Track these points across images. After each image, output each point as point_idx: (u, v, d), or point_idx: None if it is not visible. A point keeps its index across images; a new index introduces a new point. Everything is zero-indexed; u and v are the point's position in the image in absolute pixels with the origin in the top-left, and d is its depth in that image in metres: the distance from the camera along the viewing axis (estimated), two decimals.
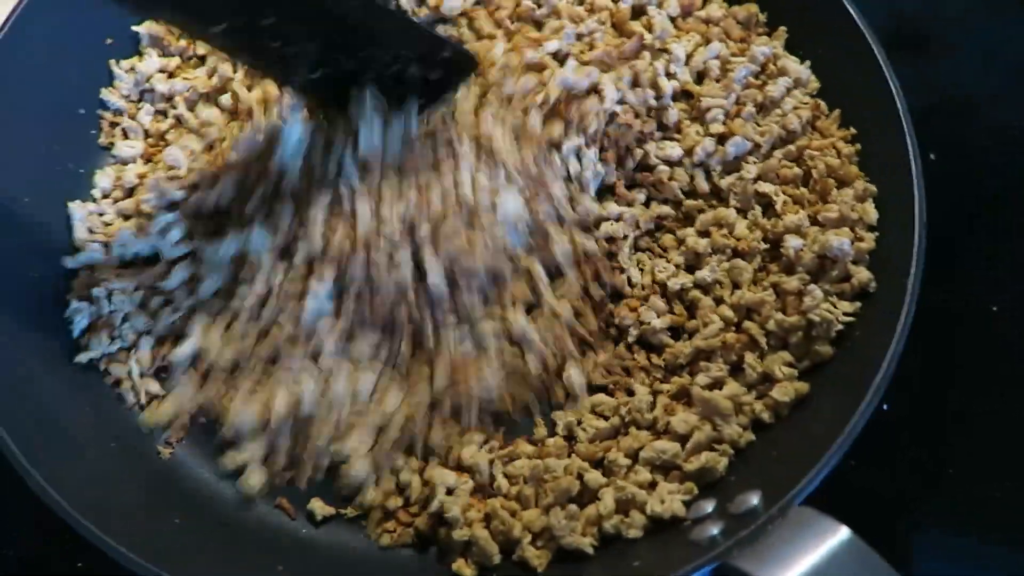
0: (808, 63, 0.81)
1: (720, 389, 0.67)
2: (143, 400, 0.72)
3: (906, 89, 0.95)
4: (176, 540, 0.64)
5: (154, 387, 0.72)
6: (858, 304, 0.67)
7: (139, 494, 0.67)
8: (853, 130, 0.77)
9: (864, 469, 0.73)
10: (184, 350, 0.71)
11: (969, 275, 0.86)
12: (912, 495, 0.76)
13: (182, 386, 0.71)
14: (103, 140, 0.82)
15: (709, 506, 0.61)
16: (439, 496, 0.64)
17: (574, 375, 0.70)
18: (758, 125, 0.77)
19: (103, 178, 0.80)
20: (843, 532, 0.52)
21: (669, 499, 0.62)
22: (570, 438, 0.69)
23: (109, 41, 0.84)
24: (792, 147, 0.76)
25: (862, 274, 0.67)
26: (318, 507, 0.67)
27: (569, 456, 0.67)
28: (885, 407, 0.77)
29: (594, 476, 0.65)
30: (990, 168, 0.92)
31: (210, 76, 0.83)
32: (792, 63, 0.80)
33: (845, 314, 0.66)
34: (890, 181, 0.71)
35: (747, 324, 0.69)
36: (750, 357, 0.68)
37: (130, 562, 0.56)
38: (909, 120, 0.72)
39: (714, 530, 0.58)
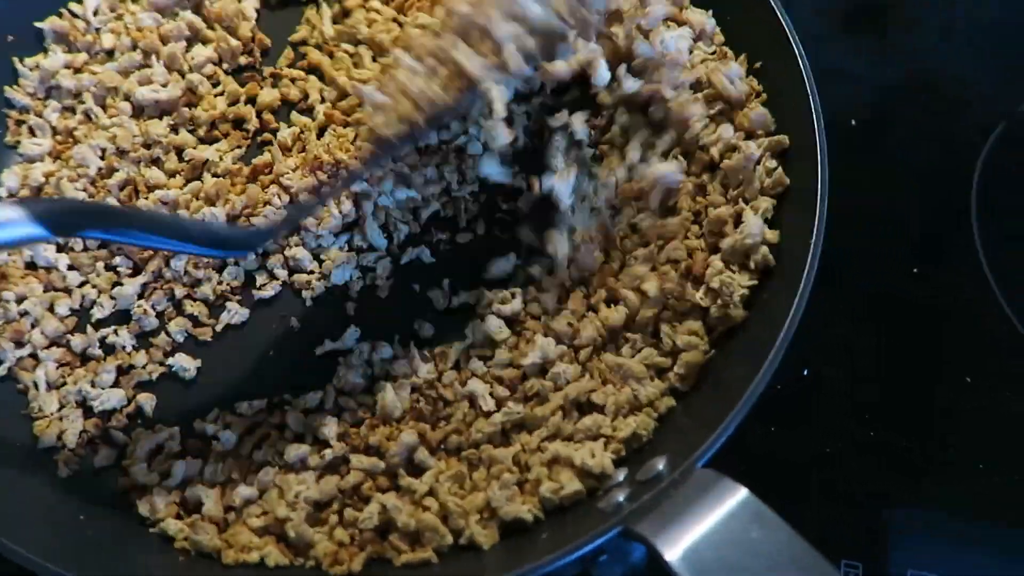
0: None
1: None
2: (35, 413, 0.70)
3: (867, 66, 0.98)
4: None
5: (53, 405, 0.70)
6: (755, 277, 0.68)
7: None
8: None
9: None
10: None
11: (932, 249, 0.88)
12: (900, 489, 0.77)
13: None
14: (9, 139, 0.81)
15: (620, 475, 0.62)
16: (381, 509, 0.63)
17: None
18: None
19: (10, 177, 0.78)
20: (741, 492, 0.52)
21: (600, 455, 0.62)
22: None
23: (11, 38, 0.83)
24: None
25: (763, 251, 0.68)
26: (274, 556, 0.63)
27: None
28: (805, 372, 0.79)
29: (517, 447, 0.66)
30: (959, 148, 0.93)
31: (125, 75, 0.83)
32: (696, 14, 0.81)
33: (742, 285, 0.67)
34: (796, 145, 0.72)
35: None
36: (666, 327, 0.69)
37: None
38: (814, 86, 0.72)
39: (620, 497, 0.58)
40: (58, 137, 0.81)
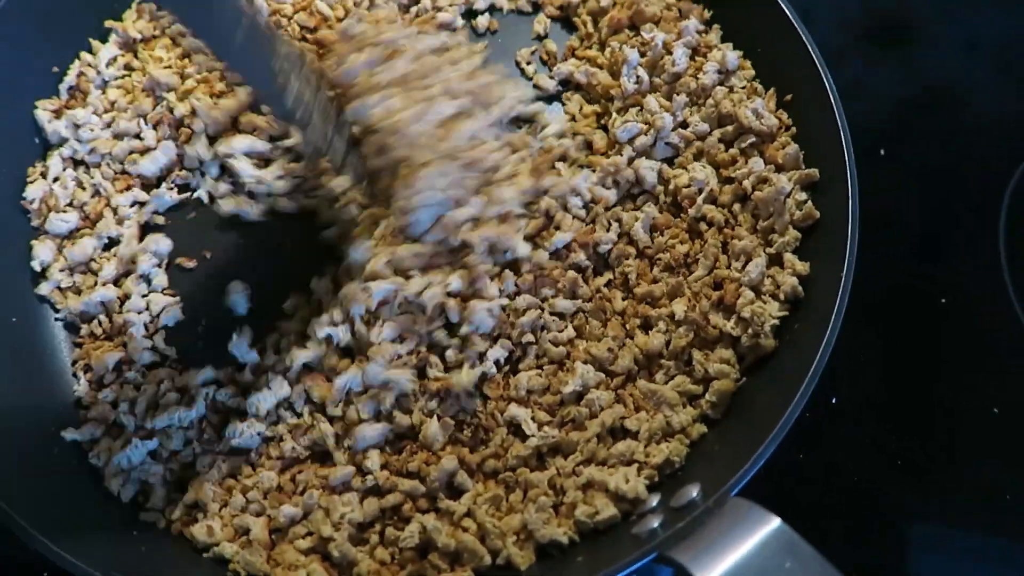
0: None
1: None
2: None
3: (888, 82, 0.99)
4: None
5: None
6: (785, 308, 0.69)
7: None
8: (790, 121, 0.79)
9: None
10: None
11: (955, 268, 0.89)
12: (901, 487, 0.79)
13: None
14: (36, 221, 0.81)
15: (654, 500, 0.64)
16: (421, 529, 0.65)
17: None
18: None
19: (43, 250, 0.80)
20: (775, 522, 0.54)
21: (634, 480, 0.64)
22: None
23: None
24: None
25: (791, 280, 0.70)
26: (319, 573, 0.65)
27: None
28: (834, 400, 0.81)
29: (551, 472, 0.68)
30: (975, 159, 0.94)
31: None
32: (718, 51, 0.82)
33: (773, 315, 0.68)
34: (827, 176, 0.73)
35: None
36: (698, 354, 0.70)
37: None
38: (844, 120, 0.73)
39: (655, 523, 0.60)
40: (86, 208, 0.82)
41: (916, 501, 0.79)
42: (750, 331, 0.68)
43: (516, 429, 0.70)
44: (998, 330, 0.86)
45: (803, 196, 0.73)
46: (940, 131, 0.97)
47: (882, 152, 0.94)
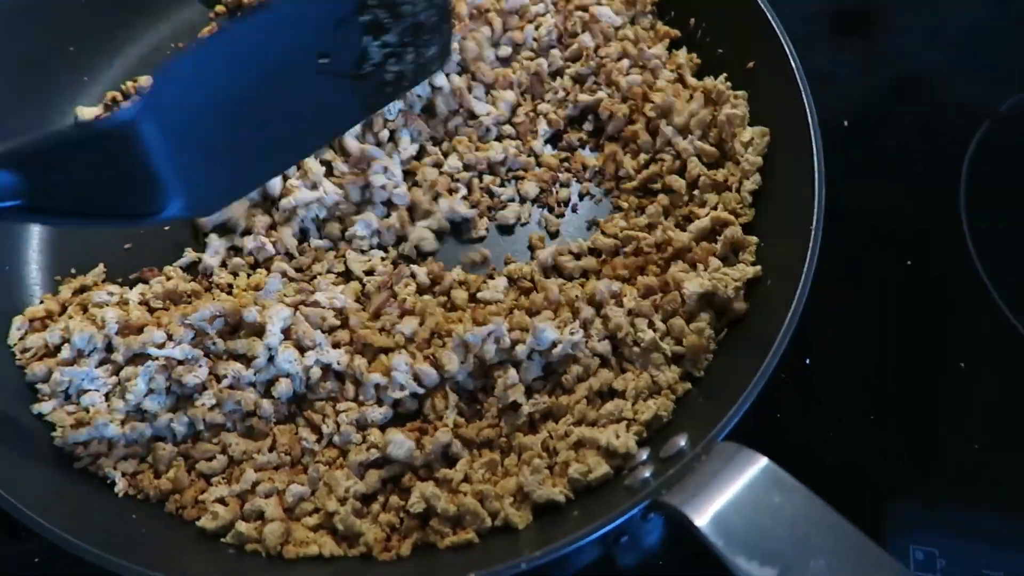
0: None
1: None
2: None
3: (855, 70, 1.03)
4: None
5: None
6: (748, 271, 0.73)
7: None
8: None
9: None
10: None
11: (921, 239, 0.92)
12: (902, 475, 0.80)
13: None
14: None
15: (644, 453, 0.65)
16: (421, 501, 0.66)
17: None
18: None
19: None
20: (761, 461, 0.56)
21: (624, 436, 0.66)
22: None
23: None
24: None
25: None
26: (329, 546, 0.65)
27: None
28: (807, 361, 0.83)
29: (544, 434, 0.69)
30: (939, 136, 0.97)
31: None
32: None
33: (735, 279, 0.72)
34: (792, 144, 0.76)
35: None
36: (676, 320, 0.73)
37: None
38: (805, 82, 0.77)
39: (646, 473, 0.62)
40: None
41: (907, 482, 0.81)
42: (717, 296, 0.71)
43: (510, 403, 0.71)
44: (960, 289, 0.89)
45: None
46: (911, 119, 1.00)
47: (845, 123, 0.97)
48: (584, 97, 0.87)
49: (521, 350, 0.70)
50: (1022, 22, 1.07)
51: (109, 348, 0.72)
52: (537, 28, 0.90)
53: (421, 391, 0.70)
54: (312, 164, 0.82)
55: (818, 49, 1.04)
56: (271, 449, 0.70)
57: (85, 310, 0.76)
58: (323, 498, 0.66)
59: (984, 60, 1.04)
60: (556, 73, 0.90)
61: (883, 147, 0.99)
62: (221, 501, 0.68)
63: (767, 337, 0.65)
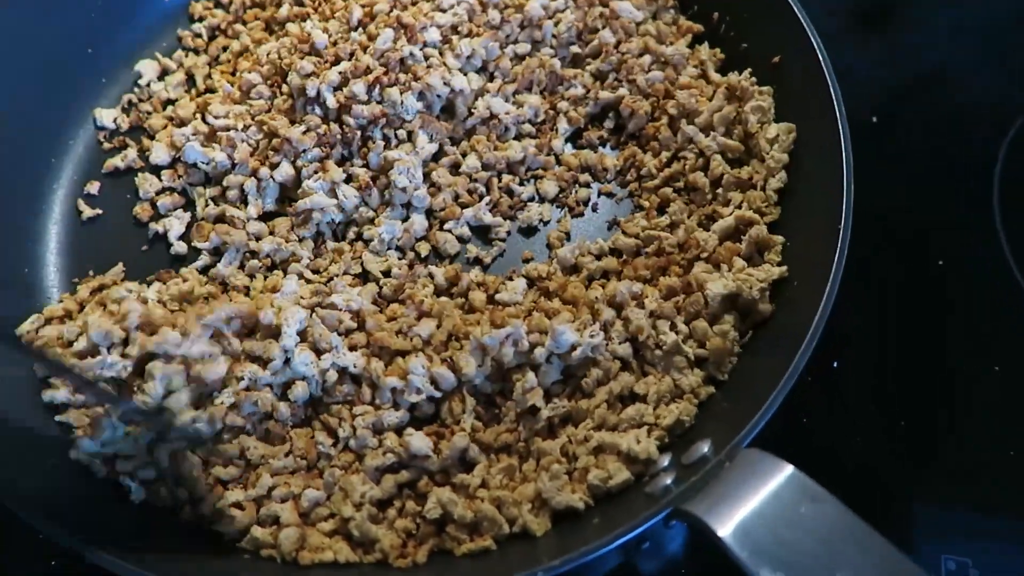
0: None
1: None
2: None
3: (876, 65, 1.01)
4: None
5: None
6: (773, 272, 0.70)
7: None
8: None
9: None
10: None
11: (951, 232, 0.89)
12: (926, 475, 0.78)
13: None
14: None
15: (665, 460, 0.64)
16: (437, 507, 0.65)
17: None
18: None
19: None
20: (787, 469, 0.54)
21: (645, 441, 0.64)
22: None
23: None
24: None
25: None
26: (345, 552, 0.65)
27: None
28: (835, 364, 0.81)
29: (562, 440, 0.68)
30: (966, 133, 0.95)
31: None
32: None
33: (760, 280, 0.70)
34: (820, 143, 0.74)
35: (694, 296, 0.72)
36: (699, 322, 0.71)
37: None
38: (835, 79, 0.75)
39: (667, 480, 0.60)
40: None
41: (920, 483, 0.78)
42: (742, 299, 0.69)
43: (529, 407, 0.69)
44: (995, 291, 0.86)
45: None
46: (931, 111, 0.98)
47: (874, 119, 0.95)
48: (605, 94, 0.85)
49: (540, 353, 0.68)
50: None
51: (126, 343, 0.70)
52: (557, 24, 0.88)
53: (438, 395, 0.69)
54: (332, 168, 0.81)
55: (840, 44, 1.00)
56: (287, 454, 0.69)
57: (103, 308, 0.75)
58: (339, 503, 0.65)
59: (1008, 55, 1.02)
60: (575, 67, 0.89)
61: (907, 143, 0.96)
62: (238, 506, 0.67)
63: (793, 340, 0.63)
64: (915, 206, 0.92)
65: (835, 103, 0.73)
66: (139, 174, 0.86)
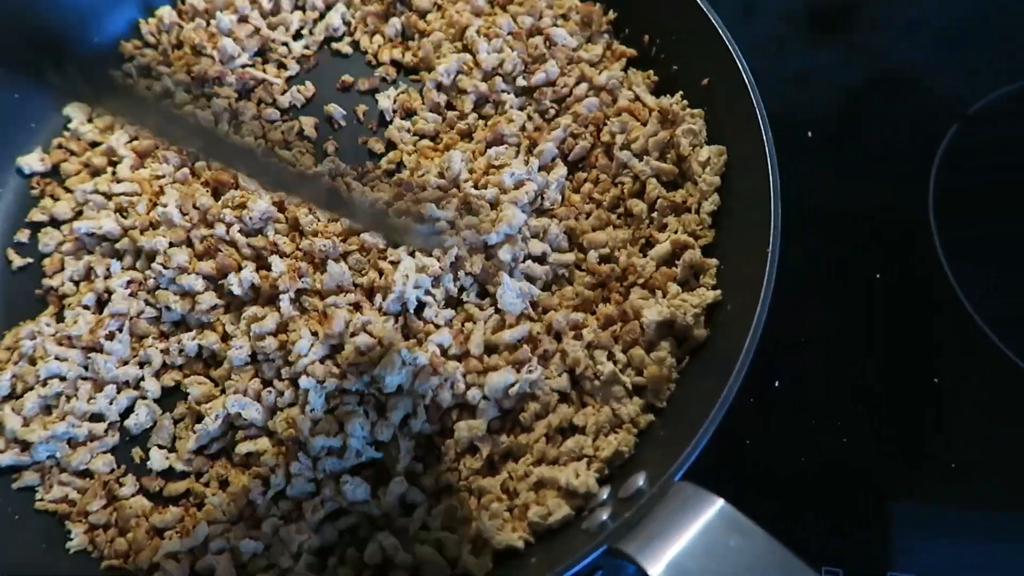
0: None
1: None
2: None
3: (835, 68, 1.01)
4: None
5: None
6: (707, 296, 0.71)
7: None
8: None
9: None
10: None
11: (889, 244, 0.90)
12: (872, 494, 0.79)
13: None
14: None
15: (605, 492, 0.64)
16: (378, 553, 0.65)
17: None
18: None
19: None
20: (717, 503, 0.54)
21: (584, 475, 0.64)
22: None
23: None
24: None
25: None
26: None
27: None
28: (776, 384, 0.81)
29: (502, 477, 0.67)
30: (931, 140, 0.96)
31: None
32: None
33: (694, 306, 0.70)
34: (748, 159, 0.74)
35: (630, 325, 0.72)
36: (636, 350, 0.71)
37: None
38: (759, 96, 0.75)
39: (604, 516, 0.60)
40: None
41: (905, 483, 0.79)
42: (677, 324, 0.69)
43: (469, 445, 0.69)
44: (934, 303, 0.87)
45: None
46: (895, 116, 0.99)
47: (809, 134, 0.95)
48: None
49: (474, 394, 0.68)
50: (1000, 15, 1.06)
51: None
52: (501, 64, 0.88)
53: (379, 456, 0.69)
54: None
55: (796, 49, 1.02)
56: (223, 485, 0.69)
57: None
58: (276, 555, 0.65)
59: (963, 54, 1.03)
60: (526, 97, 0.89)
61: (859, 145, 0.97)
62: (174, 557, 0.66)
63: (726, 365, 0.63)
64: (865, 207, 0.92)
65: (761, 124, 0.73)
66: (42, 228, 0.84)
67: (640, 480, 0.61)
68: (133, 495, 0.71)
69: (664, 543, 0.53)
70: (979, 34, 1.05)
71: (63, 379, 0.75)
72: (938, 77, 1.01)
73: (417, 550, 0.63)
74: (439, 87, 0.89)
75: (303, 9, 0.98)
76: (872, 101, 1.01)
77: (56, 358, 0.75)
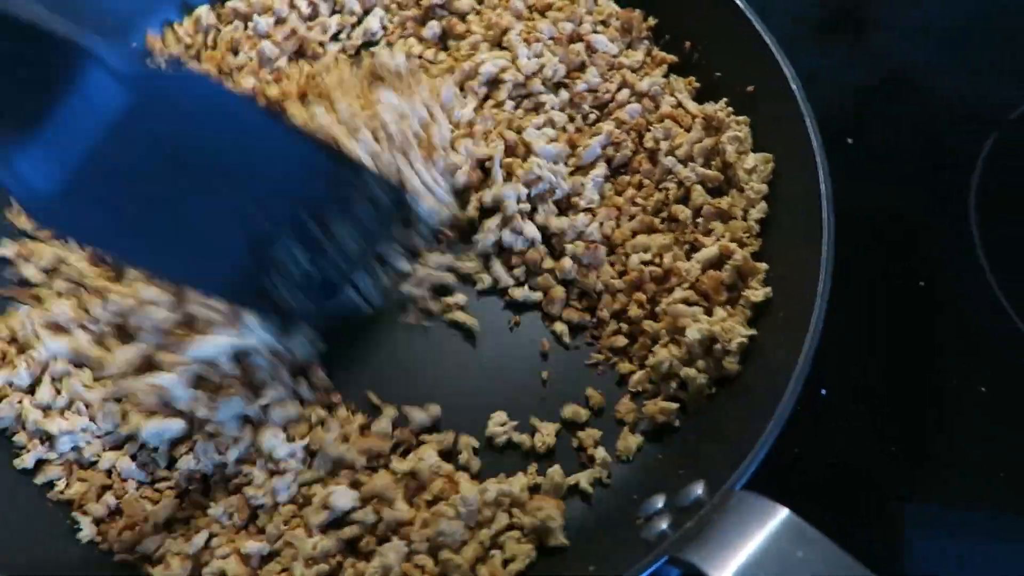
0: None
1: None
2: None
3: (845, 69, 1.01)
4: None
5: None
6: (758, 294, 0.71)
7: None
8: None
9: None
10: None
11: (930, 251, 0.90)
12: (920, 496, 0.78)
13: None
14: None
15: (659, 501, 0.63)
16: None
17: None
18: None
19: None
20: (782, 512, 0.54)
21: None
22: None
23: None
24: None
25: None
26: None
27: None
28: (823, 392, 0.81)
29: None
30: (938, 141, 0.95)
31: None
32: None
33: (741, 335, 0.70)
34: (795, 165, 0.74)
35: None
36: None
37: None
38: (806, 101, 0.75)
39: (663, 525, 0.59)
40: None
41: (911, 483, 0.79)
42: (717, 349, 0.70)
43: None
44: (977, 309, 0.87)
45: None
46: (901, 116, 0.98)
47: (849, 140, 0.95)
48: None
49: None
50: (1008, 15, 1.06)
51: None
52: (541, 69, 0.87)
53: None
54: None
55: (806, 50, 1.01)
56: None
57: None
58: (288, 560, 0.65)
59: (974, 57, 1.02)
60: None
61: (875, 148, 0.96)
62: (178, 555, 0.67)
63: (782, 376, 0.63)
64: (894, 218, 0.92)
65: (811, 132, 0.73)
66: None
67: (698, 489, 0.60)
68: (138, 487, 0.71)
69: (729, 552, 0.52)
70: (988, 33, 1.04)
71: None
72: (951, 78, 1.01)
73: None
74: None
75: (340, 12, 0.97)
76: (885, 102, 1.00)
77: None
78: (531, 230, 0.79)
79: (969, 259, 0.88)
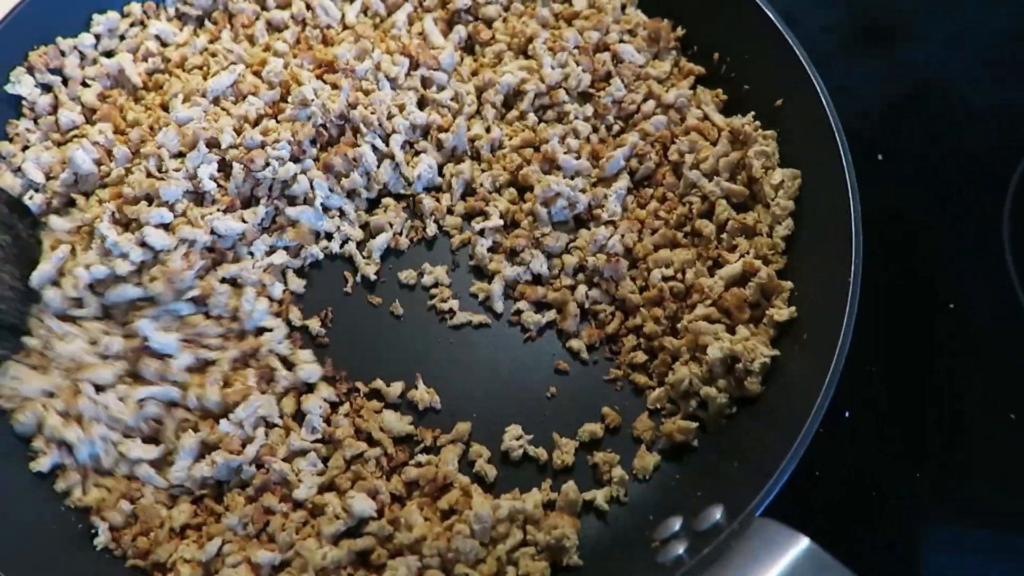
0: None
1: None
2: None
3: (878, 81, 0.99)
4: None
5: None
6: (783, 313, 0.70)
7: None
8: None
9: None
10: None
11: (960, 271, 0.87)
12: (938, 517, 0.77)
13: None
14: None
15: (676, 524, 0.62)
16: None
17: None
18: None
19: None
20: (803, 542, 0.52)
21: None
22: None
23: None
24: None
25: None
26: None
27: None
28: (847, 415, 0.79)
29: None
30: (970, 155, 0.93)
31: None
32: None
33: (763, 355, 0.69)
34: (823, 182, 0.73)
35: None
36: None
37: None
38: (838, 122, 0.73)
39: (680, 549, 0.58)
40: None
41: (933, 504, 0.77)
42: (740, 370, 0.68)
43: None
44: (1007, 332, 0.84)
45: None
46: (932, 128, 0.96)
47: (880, 157, 0.93)
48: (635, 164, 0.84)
49: None
50: None
51: None
52: (566, 79, 0.86)
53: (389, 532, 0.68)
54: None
55: (836, 61, 1.00)
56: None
57: None
58: (297, 570, 0.65)
59: (1006, 68, 1.00)
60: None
61: (906, 163, 0.94)
62: (188, 562, 0.67)
63: (806, 399, 0.61)
64: (924, 235, 0.90)
65: (841, 149, 0.71)
66: None
67: (717, 513, 0.59)
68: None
69: None
70: (1020, 46, 1.02)
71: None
72: (983, 89, 0.99)
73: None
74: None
75: (366, 14, 0.97)
76: (916, 113, 0.97)
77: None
78: (538, 264, 0.79)
79: (1002, 280, 0.86)
